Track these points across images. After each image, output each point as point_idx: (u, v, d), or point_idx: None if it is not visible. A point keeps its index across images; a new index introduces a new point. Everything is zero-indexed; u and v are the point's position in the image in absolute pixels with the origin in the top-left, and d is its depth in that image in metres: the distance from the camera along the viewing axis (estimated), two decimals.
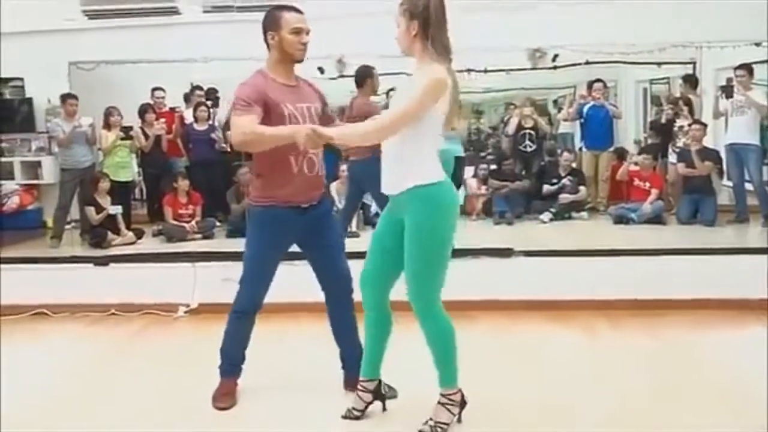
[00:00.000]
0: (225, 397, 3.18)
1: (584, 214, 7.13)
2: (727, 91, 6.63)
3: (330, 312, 3.24)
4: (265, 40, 2.99)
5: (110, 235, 6.16)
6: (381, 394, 2.99)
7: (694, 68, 7.53)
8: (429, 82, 2.57)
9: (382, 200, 2.89)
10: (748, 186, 6.52)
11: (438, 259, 2.68)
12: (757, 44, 6.76)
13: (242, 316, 3.14)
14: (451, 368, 2.79)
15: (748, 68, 6.39)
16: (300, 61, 3.01)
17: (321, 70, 7.38)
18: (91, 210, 6.24)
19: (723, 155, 6.68)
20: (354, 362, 3.10)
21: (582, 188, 7.17)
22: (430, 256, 2.66)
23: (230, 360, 3.22)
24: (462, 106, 7.91)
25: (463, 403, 2.83)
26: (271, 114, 2.89)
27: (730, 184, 6.71)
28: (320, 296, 3.24)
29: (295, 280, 3.58)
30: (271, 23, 2.96)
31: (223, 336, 3.20)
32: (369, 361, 2.95)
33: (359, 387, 2.97)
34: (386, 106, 7.02)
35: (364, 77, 5.42)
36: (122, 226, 6.31)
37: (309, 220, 3.07)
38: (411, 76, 2.71)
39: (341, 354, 3.28)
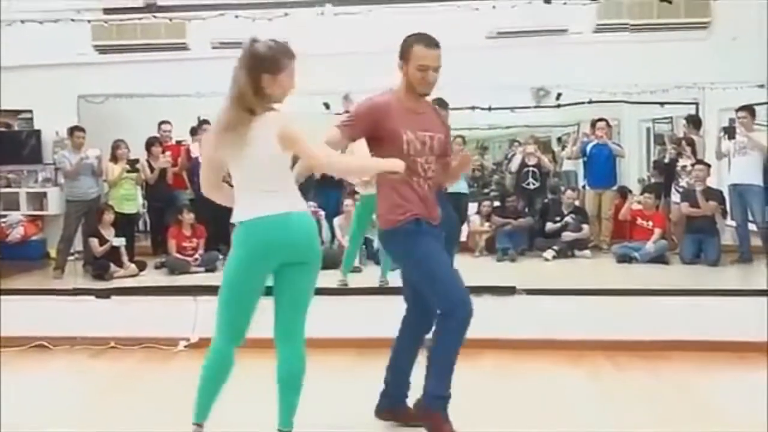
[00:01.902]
0: None
1: (587, 252, 7.12)
2: (730, 131, 6.68)
3: (403, 335, 3.17)
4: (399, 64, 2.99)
5: (113, 267, 6.18)
6: None
7: (697, 109, 7.59)
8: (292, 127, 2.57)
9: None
10: (752, 226, 6.52)
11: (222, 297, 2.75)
12: (761, 86, 6.82)
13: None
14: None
15: (750, 110, 6.46)
16: (424, 95, 3.00)
17: (327, 105, 7.46)
18: (94, 242, 6.26)
19: (726, 195, 6.70)
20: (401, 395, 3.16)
21: (585, 226, 7.17)
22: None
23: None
24: (466, 142, 7.98)
25: None
26: (385, 138, 2.89)
27: (734, 224, 6.71)
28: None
29: None
30: (402, 52, 2.96)
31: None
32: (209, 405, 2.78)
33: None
34: None
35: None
36: (125, 258, 6.33)
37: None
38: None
39: (393, 383, 3.22)
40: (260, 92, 2.58)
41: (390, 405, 3.23)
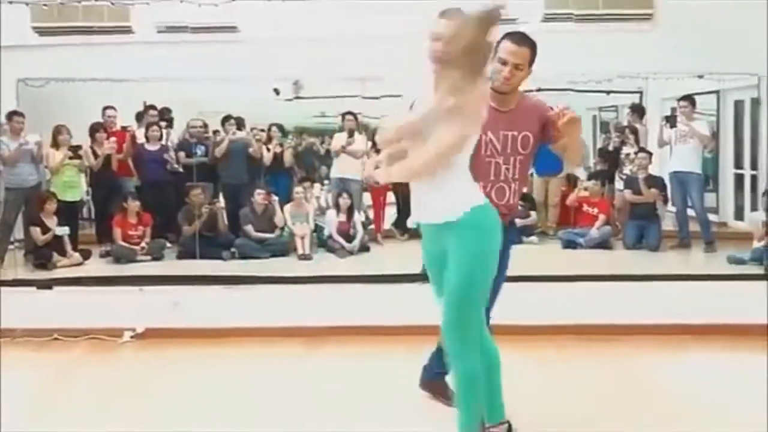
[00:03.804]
0: None
1: (534, 238, 7.23)
2: (671, 120, 6.87)
3: None
4: None
5: (56, 256, 6.03)
6: None
7: (641, 98, 7.76)
8: None
9: None
10: (691, 212, 6.74)
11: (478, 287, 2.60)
12: (700, 76, 7.02)
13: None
14: (468, 415, 2.64)
15: (690, 99, 6.67)
16: (500, 92, 2.95)
17: (276, 91, 7.38)
18: (36, 230, 6.09)
19: (667, 182, 6.90)
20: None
21: (533, 213, 7.29)
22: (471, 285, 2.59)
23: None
24: None
25: None
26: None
27: (674, 210, 6.93)
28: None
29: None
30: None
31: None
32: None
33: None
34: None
35: None
36: (69, 247, 6.18)
37: None
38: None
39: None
40: None
41: (427, 378, 3.42)
